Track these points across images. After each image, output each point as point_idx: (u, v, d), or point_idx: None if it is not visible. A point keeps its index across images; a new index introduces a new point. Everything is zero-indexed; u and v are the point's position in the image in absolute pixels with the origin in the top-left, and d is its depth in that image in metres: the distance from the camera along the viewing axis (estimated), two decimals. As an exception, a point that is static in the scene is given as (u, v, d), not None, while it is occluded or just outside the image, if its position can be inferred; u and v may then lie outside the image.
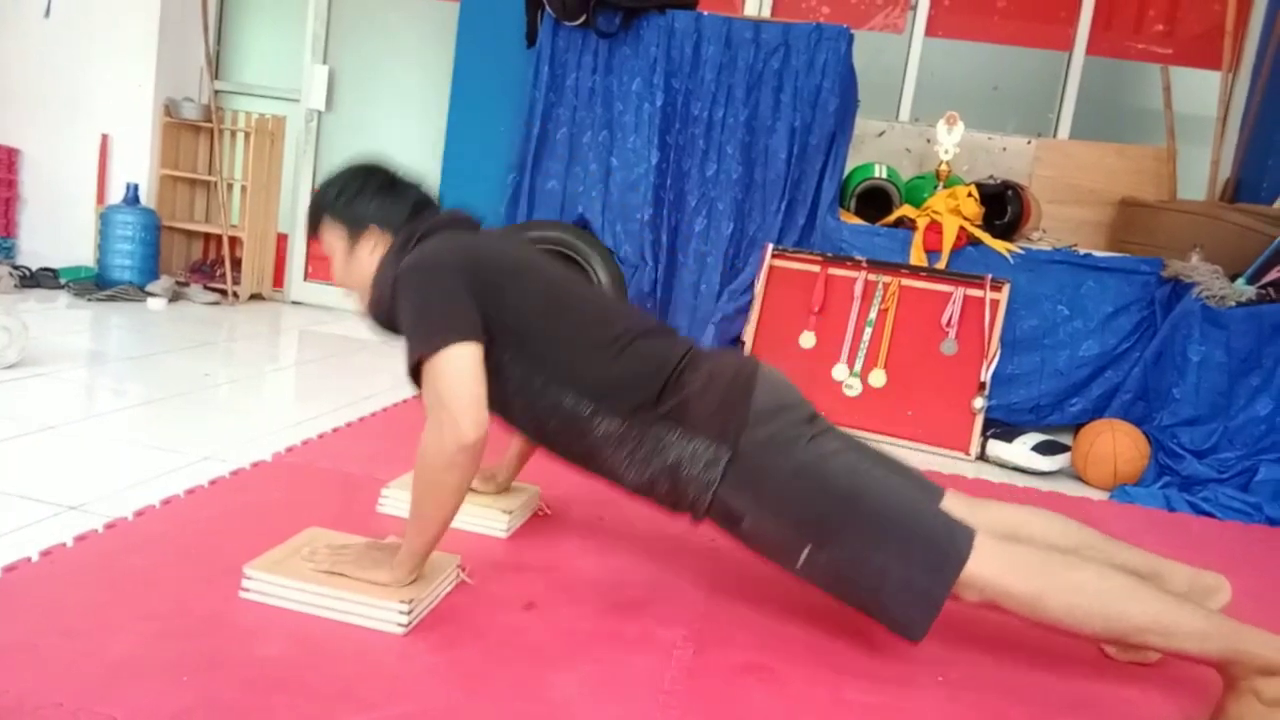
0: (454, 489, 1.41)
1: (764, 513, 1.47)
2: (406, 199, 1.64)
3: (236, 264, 4.60)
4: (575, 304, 1.60)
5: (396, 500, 1.89)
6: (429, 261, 1.50)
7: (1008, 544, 1.44)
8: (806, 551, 1.45)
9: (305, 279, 4.93)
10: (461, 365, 1.40)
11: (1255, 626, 1.36)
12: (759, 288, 3.60)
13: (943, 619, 1.69)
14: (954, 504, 1.59)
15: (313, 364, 3.63)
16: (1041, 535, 1.57)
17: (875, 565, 1.41)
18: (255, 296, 4.73)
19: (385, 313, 1.57)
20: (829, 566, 1.45)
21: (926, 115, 4.25)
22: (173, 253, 4.71)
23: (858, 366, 3.46)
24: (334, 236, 1.64)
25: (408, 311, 1.47)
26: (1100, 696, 1.50)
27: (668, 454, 1.50)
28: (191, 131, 4.71)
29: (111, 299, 4.14)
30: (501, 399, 1.52)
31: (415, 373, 1.47)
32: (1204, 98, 4.13)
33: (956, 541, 1.40)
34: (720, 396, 1.51)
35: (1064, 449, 3.19)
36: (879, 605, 1.43)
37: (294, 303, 4.91)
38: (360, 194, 1.62)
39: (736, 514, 1.49)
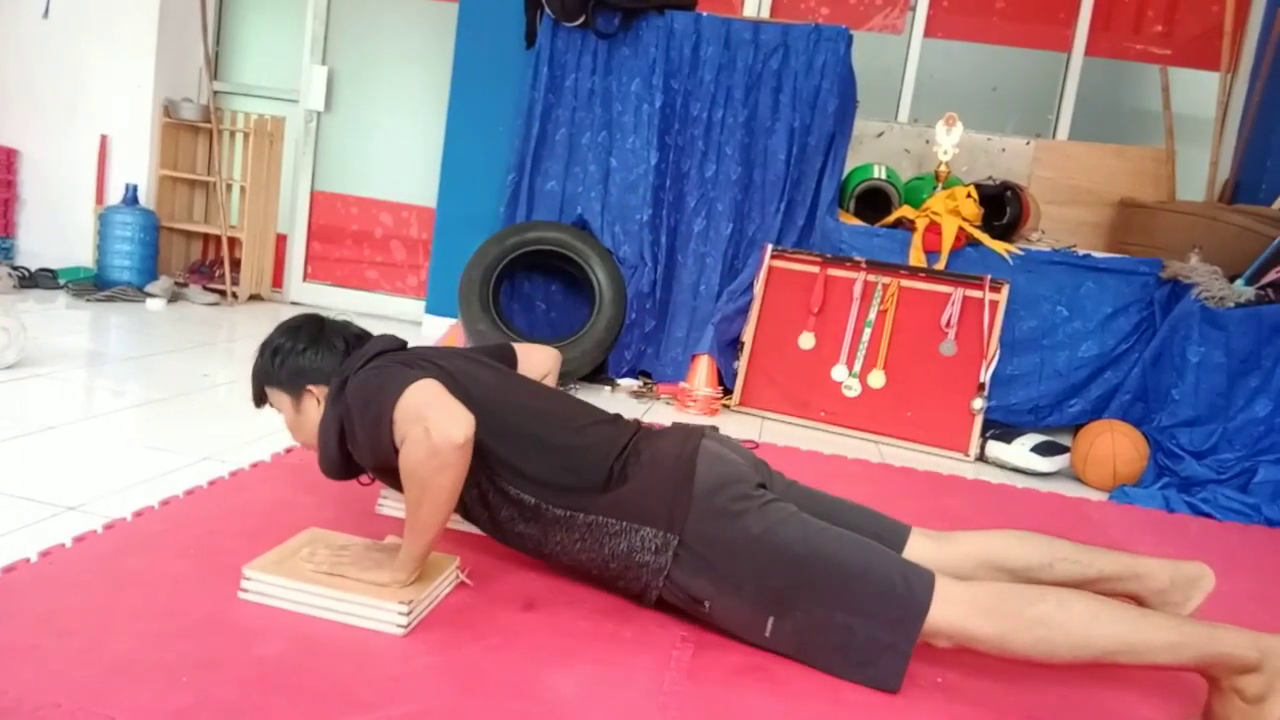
0: (449, 491, 1.41)
1: (723, 591, 1.47)
2: (335, 348, 1.65)
3: (235, 264, 4.60)
4: (514, 403, 1.61)
5: (396, 501, 1.89)
6: (368, 383, 1.49)
7: (968, 585, 1.43)
8: (770, 622, 1.45)
9: (304, 279, 4.93)
10: (429, 388, 1.42)
11: (1229, 625, 1.36)
12: (758, 288, 3.60)
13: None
14: (920, 544, 1.60)
15: (312, 365, 3.63)
16: (1014, 557, 1.58)
17: (839, 625, 1.41)
18: (254, 297, 4.72)
19: (335, 459, 1.57)
20: (794, 633, 1.45)
21: (925, 116, 4.25)
22: (172, 253, 4.71)
23: (857, 367, 3.46)
24: (280, 401, 1.68)
25: (360, 417, 1.47)
26: (1096, 698, 1.50)
27: (616, 542, 1.52)
28: (190, 132, 4.71)
29: (110, 300, 4.14)
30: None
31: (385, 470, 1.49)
32: (1203, 99, 4.14)
33: (915, 592, 1.40)
34: (660, 483, 1.51)
35: (1063, 450, 3.19)
36: (849, 665, 1.43)
37: (293, 303, 4.90)
38: (291, 354, 1.64)
39: (696, 597, 1.50)
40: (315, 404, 1.63)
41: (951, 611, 1.38)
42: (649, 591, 1.54)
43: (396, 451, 1.41)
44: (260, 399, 1.71)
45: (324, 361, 1.63)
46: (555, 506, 1.53)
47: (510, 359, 1.87)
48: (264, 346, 1.68)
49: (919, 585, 1.40)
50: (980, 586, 1.44)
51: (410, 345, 1.70)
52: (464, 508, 1.61)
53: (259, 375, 1.68)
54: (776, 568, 1.44)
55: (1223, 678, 1.34)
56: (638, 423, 1.69)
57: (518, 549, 1.65)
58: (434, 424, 1.35)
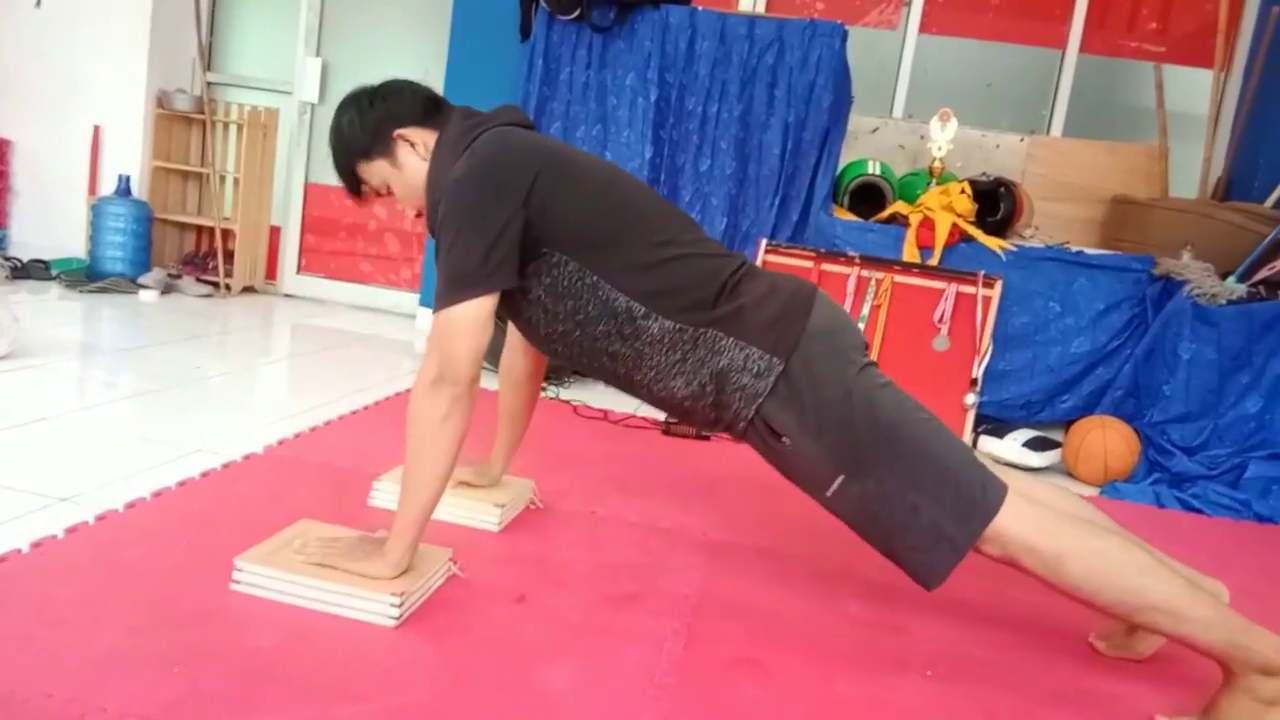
0: (448, 445, 1.42)
1: (806, 433, 1.45)
2: (404, 94, 1.59)
3: (229, 256, 4.59)
4: (634, 206, 1.56)
5: (388, 493, 1.89)
6: (485, 167, 1.45)
7: (1036, 504, 1.44)
8: (839, 481, 1.44)
9: (298, 272, 4.93)
10: (473, 318, 1.41)
11: (1262, 627, 1.36)
12: (752, 283, 3.60)
13: (935, 613, 1.71)
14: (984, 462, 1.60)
15: (305, 357, 3.63)
16: (1061, 509, 1.56)
17: (907, 503, 1.41)
18: (248, 289, 4.72)
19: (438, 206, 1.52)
20: (860, 499, 1.44)
21: (920, 112, 4.26)
22: (165, 245, 4.70)
23: (850, 362, 3.46)
24: (377, 171, 1.59)
25: (447, 231, 1.43)
26: (1089, 690, 1.51)
27: (719, 360, 1.48)
28: (184, 123, 4.69)
29: (103, 291, 4.13)
30: (549, 304, 1.51)
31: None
32: (1196, 96, 4.14)
33: (989, 493, 1.41)
34: (779, 309, 1.49)
35: (1055, 445, 3.20)
36: (903, 546, 1.43)
37: (286, 295, 4.90)
38: (363, 115, 1.57)
39: (778, 431, 1.47)
40: (411, 149, 1.57)
41: (1018, 524, 1.39)
42: (738, 421, 1.50)
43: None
44: (356, 184, 1.62)
45: (398, 107, 1.57)
46: (666, 316, 1.48)
47: None
48: (332, 131, 1.61)
49: (993, 490, 1.41)
50: (1050, 511, 1.45)
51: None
52: (551, 331, 1.55)
53: (342, 157, 1.60)
54: (865, 427, 1.43)
55: (1240, 674, 1.35)
56: (745, 255, 1.64)
57: (600, 375, 1.59)
58: (450, 364, 1.39)
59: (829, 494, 1.46)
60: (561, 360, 1.62)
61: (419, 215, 1.64)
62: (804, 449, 1.46)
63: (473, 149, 1.49)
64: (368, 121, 1.57)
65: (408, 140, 1.57)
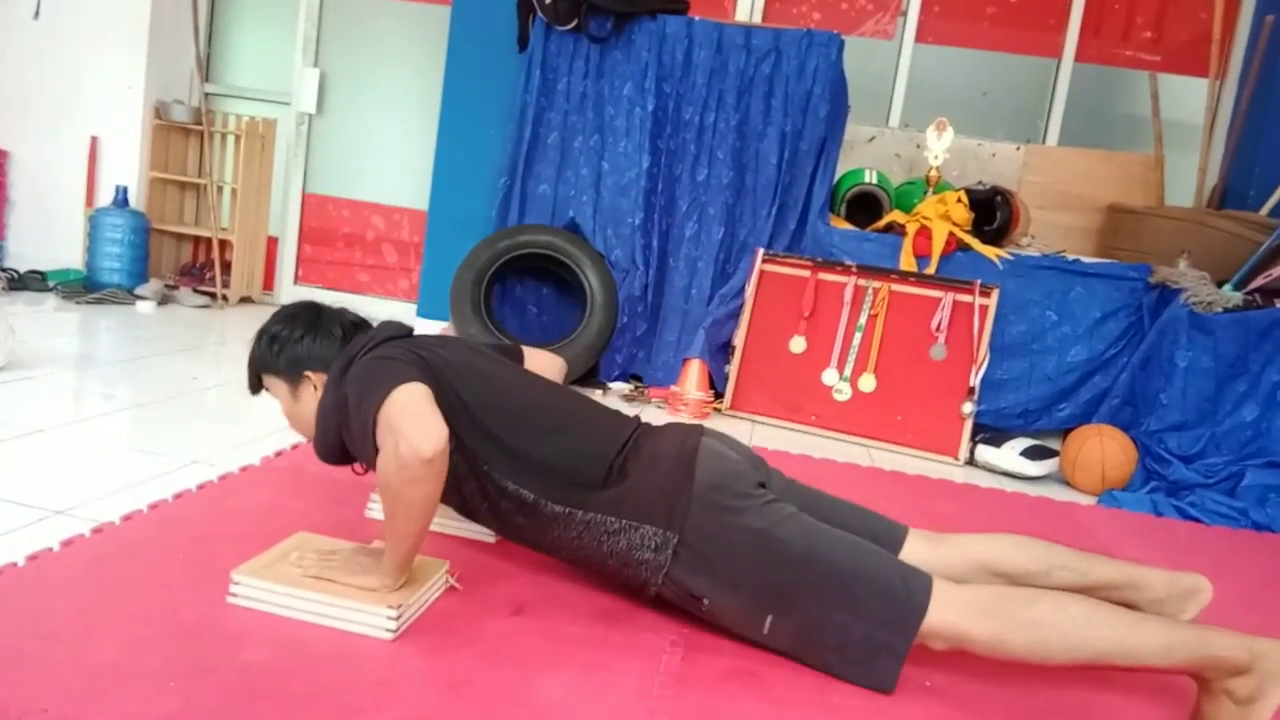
0: (422, 504, 1.39)
1: (721, 589, 1.47)
2: (333, 334, 1.65)
3: (226, 267, 4.59)
4: (515, 395, 1.61)
5: (385, 505, 1.89)
6: (367, 374, 1.48)
7: (964, 588, 1.44)
8: (769, 620, 1.46)
9: (295, 282, 4.93)
10: (411, 395, 1.39)
11: (1221, 627, 1.37)
12: (749, 292, 3.61)
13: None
14: (916, 545, 1.60)
15: (302, 367, 3.62)
16: (1011, 562, 1.58)
17: (836, 624, 1.42)
18: (245, 300, 4.71)
19: (333, 445, 1.58)
20: (792, 632, 1.46)
21: (916, 121, 4.27)
22: (162, 255, 4.70)
23: (847, 371, 3.47)
24: (277, 389, 1.68)
25: (355, 408, 1.46)
26: (1085, 701, 1.51)
27: (615, 540, 1.51)
28: (181, 134, 4.69)
29: (100, 302, 4.12)
30: (454, 484, 1.52)
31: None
32: (1191, 105, 4.16)
33: (913, 593, 1.41)
34: (661, 478, 1.51)
35: (1052, 454, 3.20)
36: (845, 664, 1.44)
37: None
38: (289, 342, 1.63)
39: (695, 594, 1.50)
40: (312, 390, 1.63)
41: (948, 613, 1.39)
42: (648, 588, 1.54)
43: (376, 453, 1.40)
44: (256, 386, 1.70)
45: (322, 349, 1.63)
46: (554, 503, 1.53)
47: (518, 358, 1.86)
48: (261, 334, 1.67)
49: (917, 587, 1.41)
50: (977, 589, 1.45)
51: (415, 333, 1.69)
52: (464, 501, 1.60)
53: (256, 363, 1.67)
54: (775, 566, 1.44)
55: (1214, 680, 1.36)
56: (638, 419, 1.68)
57: (517, 542, 1.65)
58: (404, 436, 1.33)
59: (765, 633, 1.48)
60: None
61: (307, 439, 1.69)
62: (725, 603, 1.49)
63: (346, 379, 1.51)
64: (288, 353, 1.64)
65: (313, 383, 1.63)
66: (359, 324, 1.70)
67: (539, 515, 1.54)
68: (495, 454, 1.53)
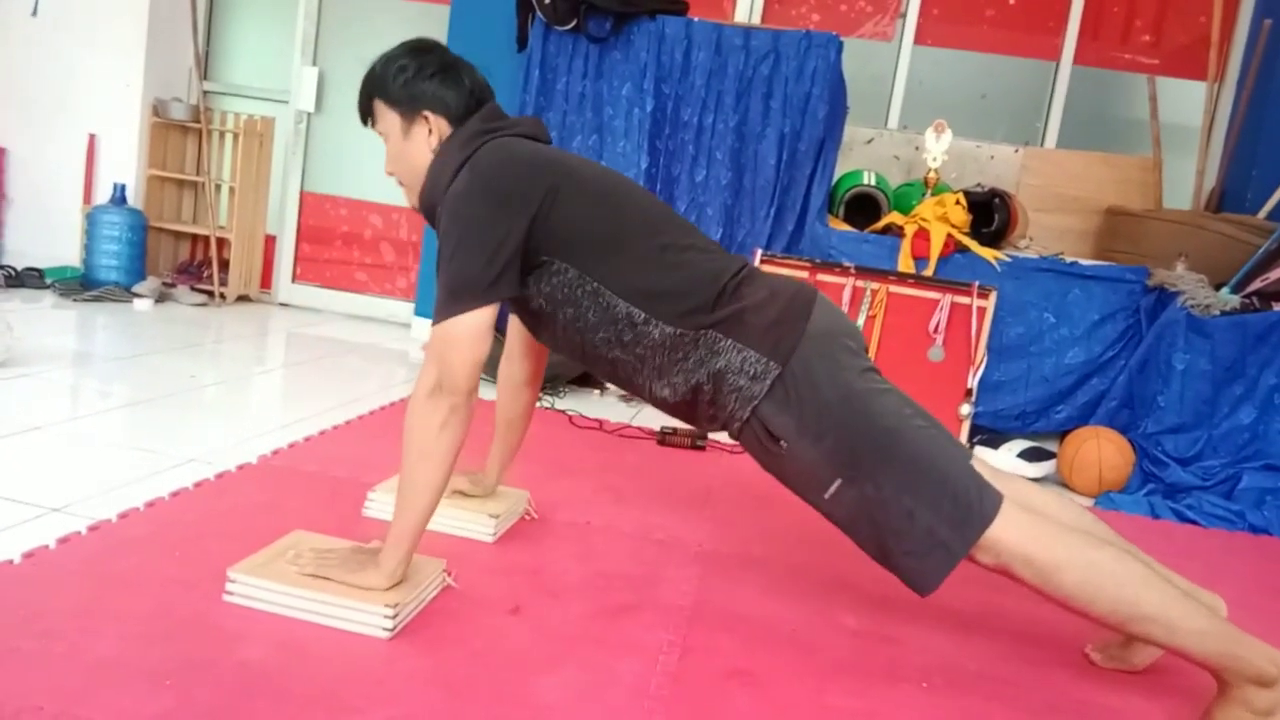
0: (444, 455, 1.42)
1: (804, 437, 1.45)
2: (463, 87, 1.59)
3: (224, 265, 4.58)
4: (633, 210, 1.56)
5: (382, 504, 1.89)
6: (485, 180, 1.46)
7: (1031, 513, 1.44)
8: (837, 485, 1.44)
9: (293, 281, 4.92)
10: (472, 330, 1.41)
11: (1255, 638, 1.37)
12: (747, 293, 3.60)
13: (930, 624, 1.71)
14: (981, 470, 1.58)
15: (299, 366, 3.62)
16: (1058, 517, 1.56)
17: (903, 509, 1.41)
18: (242, 298, 4.71)
19: (435, 206, 1.53)
20: (856, 503, 1.44)
21: (915, 123, 4.27)
22: (160, 253, 4.69)
23: (845, 372, 3.46)
24: (387, 120, 1.59)
25: (447, 243, 1.44)
26: (1083, 703, 1.51)
27: (716, 361, 1.48)
28: (180, 132, 4.69)
29: (97, 300, 4.12)
30: (549, 311, 1.53)
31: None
32: (1189, 108, 4.16)
33: (985, 501, 1.41)
34: (778, 312, 1.48)
35: (1049, 456, 3.20)
36: (898, 551, 1.43)
37: (281, 304, 4.89)
38: (417, 76, 1.57)
39: (775, 434, 1.47)
40: (426, 134, 1.57)
41: (1014, 532, 1.39)
42: (733, 421, 1.51)
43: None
44: (366, 112, 1.62)
45: (448, 93, 1.57)
46: (665, 322, 1.49)
47: None
48: (386, 59, 1.59)
49: (989, 497, 1.42)
50: (1046, 520, 1.45)
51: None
52: (555, 332, 1.57)
53: (373, 84, 1.59)
54: (863, 431, 1.43)
55: (1234, 684, 1.36)
56: (744, 258, 1.63)
57: (605, 377, 1.62)
58: (449, 375, 1.39)
59: (826, 497, 1.46)
60: (568, 359, 1.65)
61: (400, 183, 1.65)
62: (801, 453, 1.46)
63: (474, 160, 1.50)
64: (413, 86, 1.57)
65: (429, 124, 1.58)
66: (488, 89, 1.63)
67: (642, 341, 1.50)
68: (606, 272, 1.49)
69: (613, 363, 1.56)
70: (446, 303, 1.42)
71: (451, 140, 1.56)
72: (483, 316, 1.42)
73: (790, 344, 1.46)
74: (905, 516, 1.41)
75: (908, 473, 1.42)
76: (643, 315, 1.49)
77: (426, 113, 1.57)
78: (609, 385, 3.72)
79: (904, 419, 1.47)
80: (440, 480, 1.44)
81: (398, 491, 1.46)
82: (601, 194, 1.55)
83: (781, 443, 1.47)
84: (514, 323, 1.85)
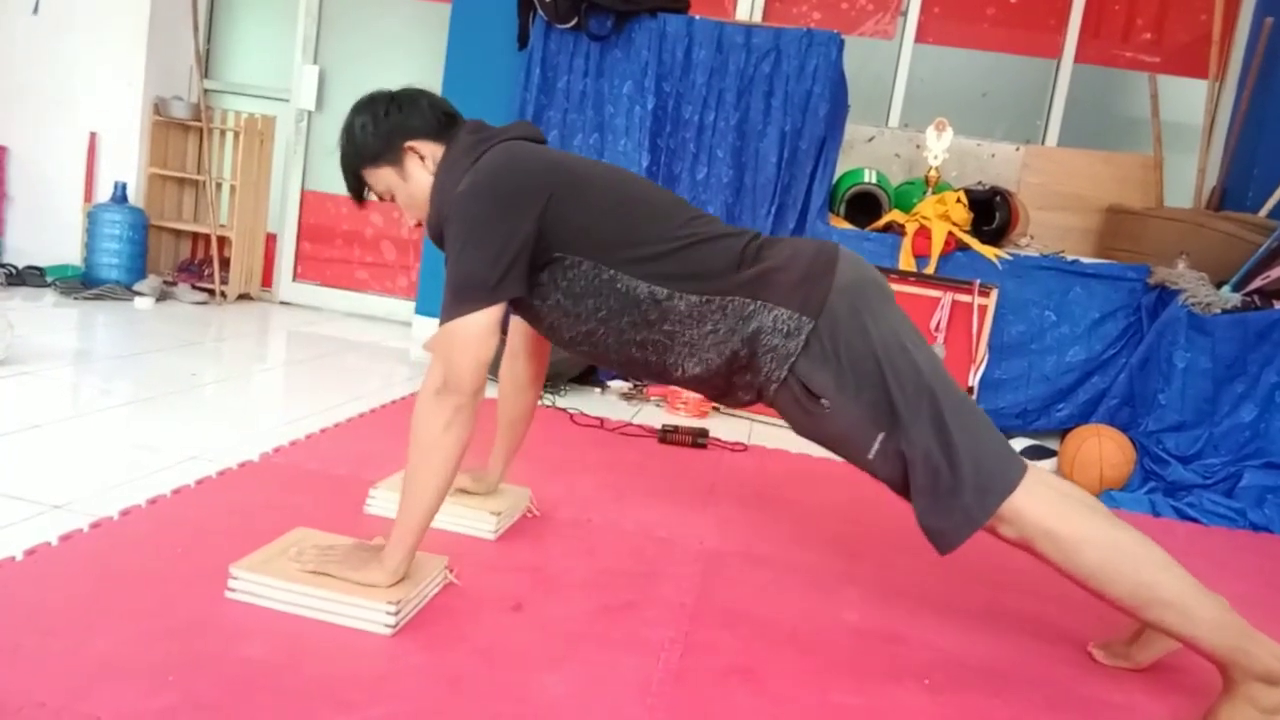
0: (449, 454, 1.42)
1: (845, 391, 1.44)
2: (420, 104, 1.60)
3: (225, 264, 4.59)
4: (642, 201, 1.57)
5: (384, 501, 1.89)
6: (491, 181, 1.46)
7: (1059, 490, 1.44)
8: (879, 440, 1.44)
9: (294, 279, 4.92)
10: (478, 330, 1.41)
11: (1265, 634, 1.37)
12: (748, 291, 3.60)
13: (933, 621, 1.70)
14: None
15: (301, 364, 3.62)
16: (1080, 498, 1.56)
17: (933, 464, 1.41)
18: (243, 296, 4.71)
19: (443, 224, 1.53)
20: (896, 456, 1.44)
21: (916, 121, 4.27)
22: (160, 252, 4.69)
23: (846, 370, 3.47)
24: (382, 179, 1.61)
25: (453, 244, 1.45)
26: (1087, 700, 1.51)
27: (749, 324, 1.47)
28: (181, 130, 4.69)
29: (98, 298, 4.12)
30: (569, 306, 1.52)
31: None
32: (1191, 106, 4.16)
33: (1008, 470, 1.41)
34: (803, 269, 1.48)
35: (1050, 454, 3.20)
36: (921, 507, 1.43)
37: (282, 303, 4.89)
38: (378, 121, 1.58)
39: (815, 392, 1.45)
40: (419, 162, 1.58)
41: (1038, 505, 1.39)
42: (770, 384, 1.49)
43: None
44: (359, 191, 1.64)
45: (411, 116, 1.58)
46: (689, 293, 1.48)
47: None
48: (345, 134, 1.61)
49: (1014, 466, 1.42)
50: (1069, 497, 1.45)
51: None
52: (577, 332, 1.56)
53: (349, 160, 1.61)
54: (902, 382, 1.42)
55: (1240, 680, 1.35)
56: (757, 231, 1.63)
57: (632, 369, 1.60)
58: (454, 374, 1.40)
59: (871, 455, 1.46)
60: (591, 360, 1.64)
61: (418, 225, 1.67)
62: (844, 408, 1.45)
63: (479, 165, 1.50)
64: (381, 129, 1.58)
65: (417, 153, 1.59)
66: (447, 102, 1.64)
67: (669, 316, 1.50)
68: (623, 255, 1.49)
69: (642, 346, 1.54)
70: (452, 302, 1.42)
71: (448, 156, 1.57)
72: (488, 316, 1.43)
73: (820, 298, 1.45)
74: (934, 474, 1.41)
75: (940, 428, 1.41)
76: (665, 291, 1.49)
77: (406, 144, 1.58)
78: (609, 384, 3.72)
79: (939, 374, 1.46)
80: (445, 479, 1.45)
81: (402, 489, 1.46)
82: (608, 187, 1.55)
83: (823, 400, 1.45)
84: (516, 321, 1.85)
